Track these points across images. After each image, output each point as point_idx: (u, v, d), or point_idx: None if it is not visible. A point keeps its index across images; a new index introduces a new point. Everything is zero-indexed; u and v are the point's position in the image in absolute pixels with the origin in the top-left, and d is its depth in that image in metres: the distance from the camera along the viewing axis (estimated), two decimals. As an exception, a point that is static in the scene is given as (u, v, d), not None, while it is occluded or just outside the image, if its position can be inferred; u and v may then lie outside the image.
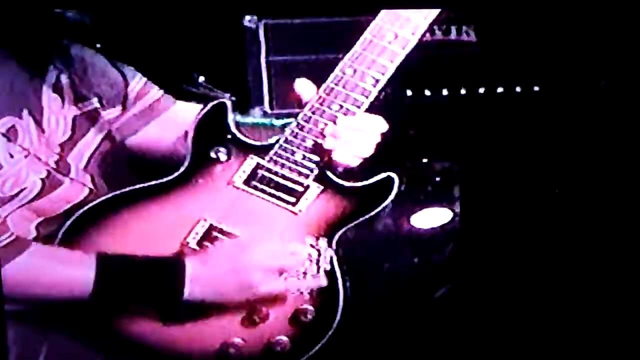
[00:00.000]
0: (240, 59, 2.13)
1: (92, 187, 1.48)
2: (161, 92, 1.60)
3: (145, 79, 1.59)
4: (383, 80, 1.40)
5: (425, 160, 2.28)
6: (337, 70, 1.40)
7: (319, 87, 1.44)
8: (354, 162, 1.44)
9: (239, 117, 1.49)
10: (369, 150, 1.43)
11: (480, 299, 2.25)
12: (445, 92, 2.25)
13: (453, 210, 2.31)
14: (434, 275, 2.28)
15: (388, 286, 2.19)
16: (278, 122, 1.72)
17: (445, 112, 2.25)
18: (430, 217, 2.32)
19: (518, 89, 2.27)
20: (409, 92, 2.23)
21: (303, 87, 1.43)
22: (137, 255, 1.40)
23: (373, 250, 2.13)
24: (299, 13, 1.95)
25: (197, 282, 1.38)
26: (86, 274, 1.36)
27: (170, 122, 1.58)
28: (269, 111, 2.21)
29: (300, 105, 1.44)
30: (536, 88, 2.28)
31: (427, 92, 2.24)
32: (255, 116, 2.16)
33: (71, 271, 1.37)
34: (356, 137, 1.42)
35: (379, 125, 1.43)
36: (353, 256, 1.51)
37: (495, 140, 2.23)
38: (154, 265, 1.40)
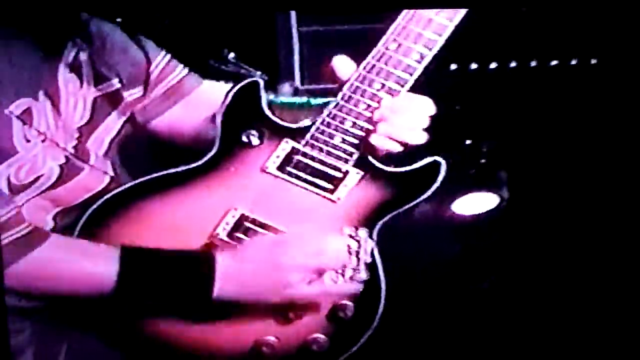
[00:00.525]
0: (269, 29, 2.12)
1: (113, 174, 1.49)
2: (186, 70, 1.59)
3: (169, 56, 1.59)
4: (429, 56, 1.39)
5: (469, 142, 2.27)
6: (379, 45, 1.39)
7: (355, 59, 1.42)
8: (397, 149, 1.43)
9: (271, 96, 1.48)
10: (415, 137, 1.42)
11: (528, 292, 2.24)
12: (493, 65, 2.23)
13: (500, 195, 2.29)
14: (478, 266, 2.27)
15: (427, 278, 2.18)
16: (316, 102, 1.71)
17: (493, 87, 2.23)
18: (474, 203, 2.31)
19: (573, 62, 2.24)
20: (453, 66, 2.21)
21: (341, 64, 1.41)
22: (163, 249, 1.41)
23: (411, 239, 2.12)
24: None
25: (227, 280, 1.38)
26: (109, 268, 1.37)
27: (197, 103, 1.58)
28: (300, 87, 2.20)
29: (335, 82, 1.43)
30: (594, 61, 2.25)
31: (474, 65, 2.23)
32: (284, 92, 2.15)
33: (93, 265, 1.37)
34: (401, 120, 1.41)
35: (427, 107, 1.42)
36: (389, 246, 1.51)
37: (549, 118, 2.21)
38: (181, 260, 1.40)
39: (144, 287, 1.38)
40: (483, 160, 2.27)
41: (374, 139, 1.42)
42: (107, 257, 1.37)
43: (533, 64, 2.24)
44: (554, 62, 2.24)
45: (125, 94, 1.51)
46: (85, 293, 1.37)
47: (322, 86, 2.14)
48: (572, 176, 2.23)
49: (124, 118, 1.52)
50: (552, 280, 2.22)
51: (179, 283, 1.39)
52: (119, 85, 1.50)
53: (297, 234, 1.43)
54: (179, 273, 1.39)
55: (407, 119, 1.41)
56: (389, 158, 1.47)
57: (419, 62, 1.39)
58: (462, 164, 2.27)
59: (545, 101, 2.22)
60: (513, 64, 2.23)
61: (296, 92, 2.19)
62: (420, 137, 1.43)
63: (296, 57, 2.19)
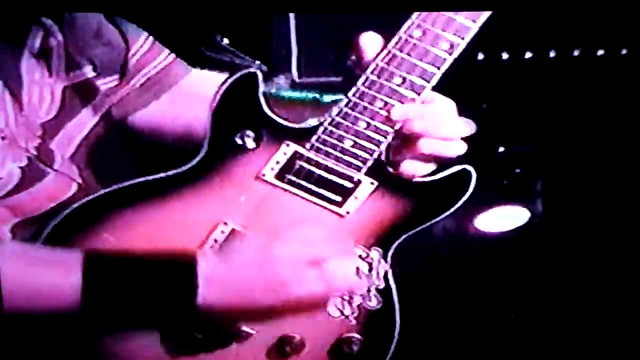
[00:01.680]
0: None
1: (80, 182, 1.50)
2: (172, 56, 1.61)
3: (151, 39, 1.60)
4: (462, 46, 1.40)
5: (502, 149, 2.28)
6: (401, 32, 1.40)
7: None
8: (423, 170, 1.45)
9: (272, 90, 1.50)
10: (454, 149, 1.44)
11: (562, 322, 2.25)
12: (528, 54, 2.24)
13: (531, 210, 2.31)
14: (508, 292, 2.29)
15: (448, 305, 2.20)
16: (328, 98, 1.72)
17: (528, 80, 2.24)
18: (501, 219, 2.33)
19: (624, 52, 2.25)
20: (480, 55, 2.23)
21: (370, 42, 1.41)
22: (133, 252, 1.41)
23: (429, 261, 2.14)
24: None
25: (213, 283, 1.39)
26: (71, 278, 1.36)
27: (185, 95, 1.60)
28: (297, 79, 2.22)
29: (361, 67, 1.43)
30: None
31: (505, 55, 2.24)
32: (279, 86, 2.17)
33: (51, 275, 1.38)
34: (436, 132, 1.42)
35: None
36: (403, 268, 1.53)
37: (594, 118, 2.22)
38: (156, 264, 1.40)
39: (115, 299, 1.38)
40: (518, 170, 2.28)
41: (401, 163, 1.44)
42: (67, 265, 1.37)
43: (576, 53, 2.24)
44: (600, 52, 2.25)
45: (98, 83, 1.53)
46: (43, 310, 1.37)
47: (323, 79, 2.16)
48: (618, 187, 2.23)
49: (99, 114, 1.54)
50: (591, 310, 2.24)
51: (155, 291, 1.39)
52: (92, 74, 1.52)
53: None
54: (155, 279, 1.39)
55: (442, 129, 1.42)
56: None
57: (449, 54, 1.40)
58: (494, 174, 2.28)
59: (591, 97, 2.22)
60: (552, 54, 2.23)
61: (293, 86, 2.20)
62: (460, 148, 1.44)
63: (293, 45, 2.20)
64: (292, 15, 2.16)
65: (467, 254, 2.31)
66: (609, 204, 2.26)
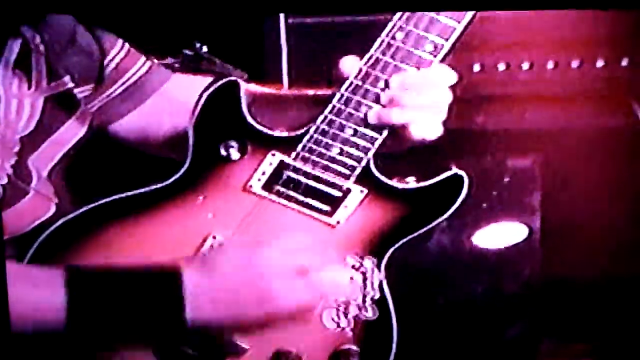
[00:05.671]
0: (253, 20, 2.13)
1: (57, 201, 1.51)
2: (150, 63, 1.63)
3: (127, 46, 1.61)
4: (446, 47, 1.42)
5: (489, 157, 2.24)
6: (383, 35, 1.43)
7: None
8: (430, 134, 1.46)
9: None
10: (429, 121, 1.46)
11: (567, 340, 2.24)
12: (526, 65, 2.21)
13: (529, 226, 2.29)
14: (506, 310, 2.28)
15: (443, 326, 2.19)
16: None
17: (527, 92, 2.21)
18: (499, 234, 2.31)
19: (624, 63, 2.21)
20: (476, 67, 2.21)
21: (350, 66, 1.44)
22: (117, 267, 1.42)
23: (422, 279, 2.13)
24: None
25: (200, 297, 1.40)
26: (55, 296, 1.37)
27: (166, 102, 1.62)
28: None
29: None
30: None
31: (502, 66, 2.21)
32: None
33: (37, 294, 1.38)
34: (416, 99, 1.43)
35: (446, 76, 1.45)
36: (399, 288, 1.54)
37: (599, 120, 2.18)
38: (139, 278, 1.41)
39: (100, 315, 1.39)
40: (507, 179, 2.27)
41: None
42: (50, 283, 1.38)
43: (575, 65, 2.20)
44: (600, 64, 2.19)
45: (76, 91, 1.53)
46: (30, 330, 1.38)
47: (314, 92, 2.17)
48: (626, 200, 2.20)
49: (84, 127, 1.55)
50: (592, 326, 2.22)
51: (141, 306, 1.40)
52: (71, 84, 1.53)
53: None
54: (140, 294, 1.40)
55: (422, 96, 1.44)
56: (397, 172, 1.50)
57: (434, 55, 1.43)
58: (485, 185, 2.26)
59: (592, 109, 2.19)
60: (551, 65, 2.19)
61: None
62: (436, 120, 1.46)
63: (284, 56, 2.20)
64: (282, 22, 2.16)
65: (465, 270, 2.29)
66: (616, 216, 2.23)
